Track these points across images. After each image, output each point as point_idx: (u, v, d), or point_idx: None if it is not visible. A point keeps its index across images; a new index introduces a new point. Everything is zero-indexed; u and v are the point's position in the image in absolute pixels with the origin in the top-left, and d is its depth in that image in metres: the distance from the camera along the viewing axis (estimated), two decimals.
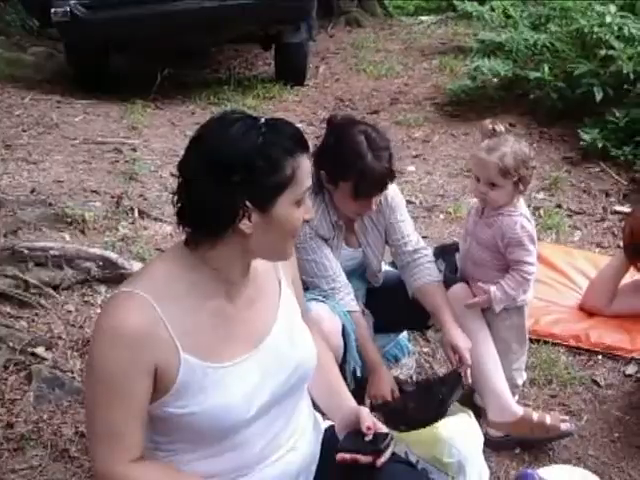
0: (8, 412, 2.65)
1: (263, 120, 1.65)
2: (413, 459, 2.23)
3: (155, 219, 3.91)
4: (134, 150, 5.05)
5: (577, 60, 5.56)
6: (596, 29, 5.56)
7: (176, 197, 1.67)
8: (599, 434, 2.85)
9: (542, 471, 2.54)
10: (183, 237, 1.72)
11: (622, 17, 5.59)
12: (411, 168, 5.20)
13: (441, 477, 2.24)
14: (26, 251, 3.27)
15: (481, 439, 2.36)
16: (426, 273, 2.79)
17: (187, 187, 1.65)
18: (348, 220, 2.77)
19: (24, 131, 5.28)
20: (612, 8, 5.61)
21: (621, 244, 3.67)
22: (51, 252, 3.29)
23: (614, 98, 5.30)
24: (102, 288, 3.30)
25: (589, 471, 2.60)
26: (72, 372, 2.84)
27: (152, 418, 1.66)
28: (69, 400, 2.73)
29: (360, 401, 2.01)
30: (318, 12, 7.40)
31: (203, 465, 1.71)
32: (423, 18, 9.77)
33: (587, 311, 3.54)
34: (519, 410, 2.73)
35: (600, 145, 5.10)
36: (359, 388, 2.60)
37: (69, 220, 3.69)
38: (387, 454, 1.75)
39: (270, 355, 1.75)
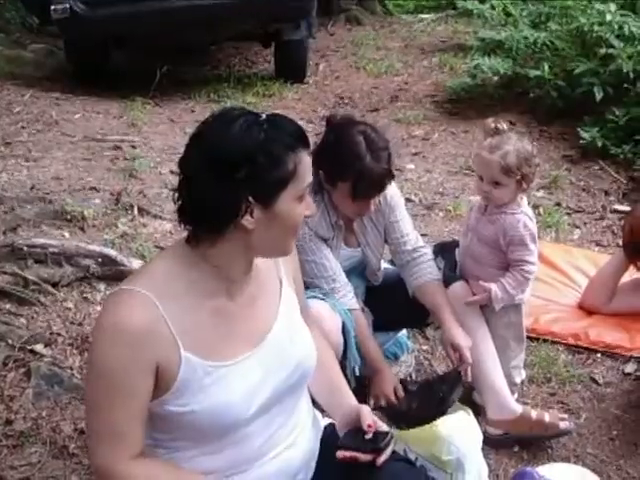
0: (7, 409, 2.65)
1: (264, 116, 1.65)
2: (412, 456, 2.23)
3: (154, 216, 3.91)
4: (134, 147, 5.04)
5: (577, 59, 5.56)
6: (596, 28, 5.56)
7: (177, 194, 1.67)
8: (598, 432, 2.85)
9: (541, 469, 2.54)
10: (183, 235, 1.72)
11: (622, 16, 5.59)
12: (410, 166, 5.20)
13: (440, 474, 2.24)
14: (25, 248, 3.27)
15: (480, 437, 2.37)
16: (425, 272, 2.79)
17: (188, 184, 1.64)
18: (347, 220, 2.77)
19: (23, 128, 5.28)
20: (612, 6, 5.60)
21: (620, 243, 3.67)
22: (50, 249, 3.29)
23: (614, 97, 5.31)
24: (101, 285, 3.30)
25: (587, 469, 2.60)
26: (71, 369, 2.84)
27: (152, 416, 1.66)
28: (68, 397, 2.72)
29: (360, 399, 2.01)
30: (318, 10, 7.39)
31: (203, 461, 1.71)
32: (423, 16, 9.76)
33: (586, 309, 3.54)
34: (518, 408, 2.74)
35: (600, 144, 5.11)
36: (359, 386, 2.60)
37: (68, 217, 3.69)
38: (387, 453, 1.76)
39: (271, 353, 1.75)
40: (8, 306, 3.07)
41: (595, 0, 5.99)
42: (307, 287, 2.51)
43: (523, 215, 2.67)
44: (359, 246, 2.83)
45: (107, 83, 6.65)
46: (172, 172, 4.52)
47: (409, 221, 2.88)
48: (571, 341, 3.33)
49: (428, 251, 2.86)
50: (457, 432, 2.30)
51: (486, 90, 6.25)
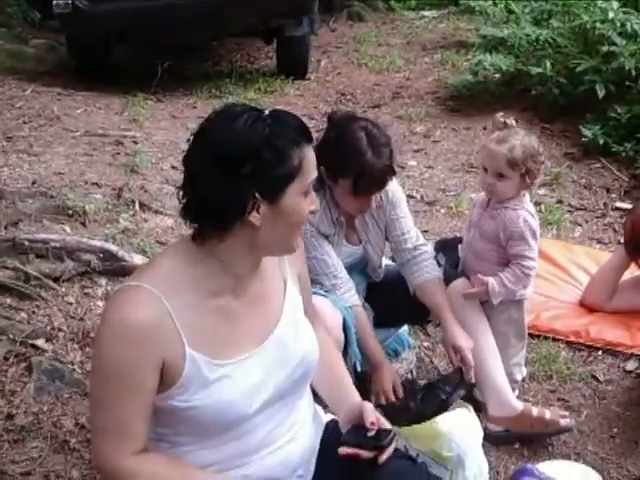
0: (8, 403, 2.65)
1: (267, 112, 1.65)
2: (413, 453, 2.23)
3: (156, 212, 3.90)
4: (135, 142, 5.04)
5: (579, 56, 5.55)
6: (598, 25, 5.55)
7: (181, 192, 1.66)
8: (598, 430, 2.85)
9: (541, 466, 2.54)
10: (184, 230, 1.71)
11: (625, 13, 5.58)
12: (412, 163, 5.21)
13: (440, 471, 2.24)
14: (27, 243, 3.27)
15: (481, 433, 2.36)
16: (426, 271, 2.79)
17: (194, 182, 1.63)
18: (349, 217, 2.77)
19: (25, 123, 5.28)
20: (615, 4, 5.59)
21: (622, 240, 3.68)
22: (52, 244, 3.29)
23: (616, 94, 5.29)
24: (102, 280, 3.30)
25: (588, 466, 2.61)
26: (72, 364, 2.84)
27: (156, 410, 1.65)
28: (69, 392, 2.72)
29: (361, 396, 2.01)
30: (320, 6, 7.40)
31: (204, 455, 1.71)
32: (425, 13, 9.75)
33: (587, 307, 3.55)
34: (519, 405, 2.74)
35: (601, 141, 5.10)
36: (360, 382, 2.59)
37: (70, 212, 3.68)
38: (389, 451, 1.76)
39: (274, 352, 1.75)
40: (9, 301, 3.07)
41: None
42: None
43: (524, 211, 2.67)
44: (360, 243, 2.83)
45: (109, 78, 6.65)
46: (173, 168, 4.52)
47: (410, 219, 2.87)
48: (572, 338, 3.33)
49: (429, 249, 2.86)
50: (458, 429, 2.30)
51: (488, 87, 6.24)
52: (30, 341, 2.88)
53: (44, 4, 6.44)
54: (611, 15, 5.50)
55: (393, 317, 2.98)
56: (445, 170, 5.11)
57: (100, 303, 3.17)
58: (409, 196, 4.41)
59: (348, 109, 5.89)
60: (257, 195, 1.60)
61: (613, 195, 4.75)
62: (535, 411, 2.73)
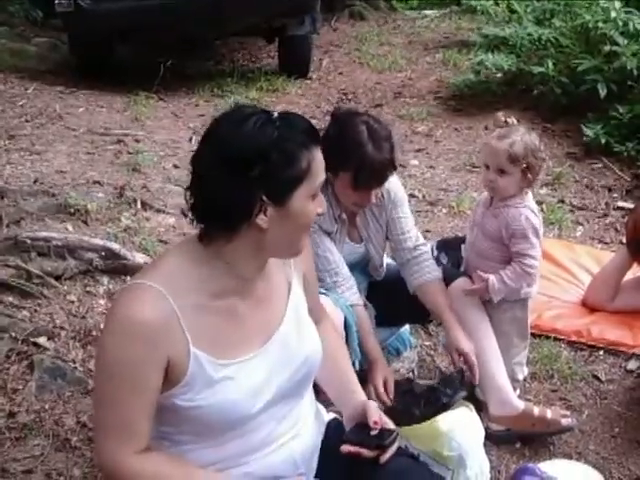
0: (10, 401, 2.65)
1: (276, 114, 1.64)
2: (414, 452, 2.23)
3: (158, 210, 3.90)
4: (137, 141, 5.04)
5: (581, 56, 5.55)
6: (600, 25, 5.56)
7: (189, 193, 1.66)
8: (600, 429, 2.85)
9: (543, 465, 2.54)
10: (186, 229, 1.71)
11: (627, 13, 5.58)
12: (414, 162, 5.21)
13: (442, 470, 2.24)
14: (29, 241, 3.28)
15: (482, 433, 2.36)
16: (427, 271, 2.79)
17: (201, 182, 1.63)
18: (351, 214, 2.77)
19: (27, 121, 5.27)
20: (617, 3, 5.59)
21: (624, 240, 3.67)
22: (54, 242, 3.30)
23: (618, 94, 5.30)
24: (104, 279, 3.30)
25: (589, 466, 2.61)
26: (74, 362, 2.84)
27: (160, 409, 1.65)
28: (71, 390, 2.73)
29: None
30: (322, 5, 7.39)
31: (207, 453, 1.71)
32: (427, 12, 9.75)
33: (589, 307, 3.55)
34: (520, 404, 2.74)
35: (603, 141, 5.10)
36: (360, 381, 2.59)
37: (72, 211, 3.69)
38: (392, 450, 1.76)
39: (277, 353, 1.75)
40: (11, 299, 3.07)
41: None
42: None
43: (526, 209, 2.67)
44: (362, 241, 2.84)
45: (111, 77, 6.64)
46: (175, 166, 4.52)
47: (411, 219, 2.87)
48: (574, 338, 3.33)
49: (428, 249, 2.86)
50: (459, 428, 2.29)
51: (490, 87, 6.24)
52: (32, 339, 2.88)
53: (46, 3, 6.42)
54: (613, 15, 5.50)
55: (394, 316, 2.98)
56: (447, 170, 5.11)
57: (102, 301, 3.18)
58: (411, 195, 4.41)
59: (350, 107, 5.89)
60: (265, 198, 1.59)
61: (615, 195, 4.74)
62: (536, 410, 2.73)
